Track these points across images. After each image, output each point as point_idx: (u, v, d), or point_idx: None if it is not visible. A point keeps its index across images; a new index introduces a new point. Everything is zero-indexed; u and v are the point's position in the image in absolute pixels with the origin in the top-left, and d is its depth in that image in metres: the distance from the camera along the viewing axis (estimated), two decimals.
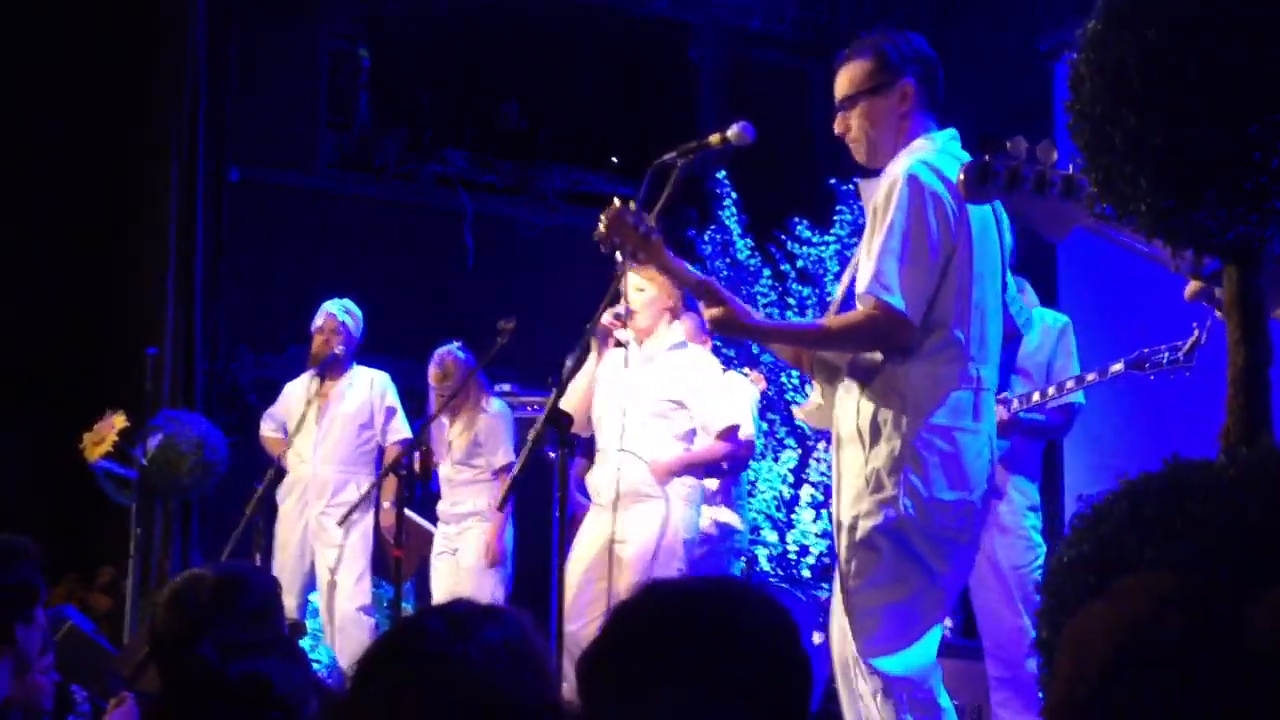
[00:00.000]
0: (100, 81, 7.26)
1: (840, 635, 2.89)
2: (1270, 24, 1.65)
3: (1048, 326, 4.32)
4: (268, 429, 6.08)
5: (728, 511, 5.33)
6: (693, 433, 4.55)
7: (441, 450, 5.72)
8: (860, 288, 2.78)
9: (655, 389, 4.41)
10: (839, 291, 3.10)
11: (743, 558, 5.90)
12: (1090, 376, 4.08)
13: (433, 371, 5.64)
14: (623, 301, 4.14)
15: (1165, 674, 1.29)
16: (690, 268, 3.03)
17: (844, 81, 2.91)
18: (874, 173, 2.92)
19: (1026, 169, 1.94)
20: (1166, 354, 3.86)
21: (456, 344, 5.67)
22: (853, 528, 2.80)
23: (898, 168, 2.81)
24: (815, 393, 3.04)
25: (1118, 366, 4.00)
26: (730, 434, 4.53)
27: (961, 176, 1.97)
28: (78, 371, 6.98)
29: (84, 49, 7.23)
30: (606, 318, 4.18)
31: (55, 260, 7.24)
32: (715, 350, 5.30)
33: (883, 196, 2.79)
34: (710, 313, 2.86)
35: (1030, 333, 4.11)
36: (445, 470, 5.69)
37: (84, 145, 7.29)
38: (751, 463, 5.67)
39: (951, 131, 2.90)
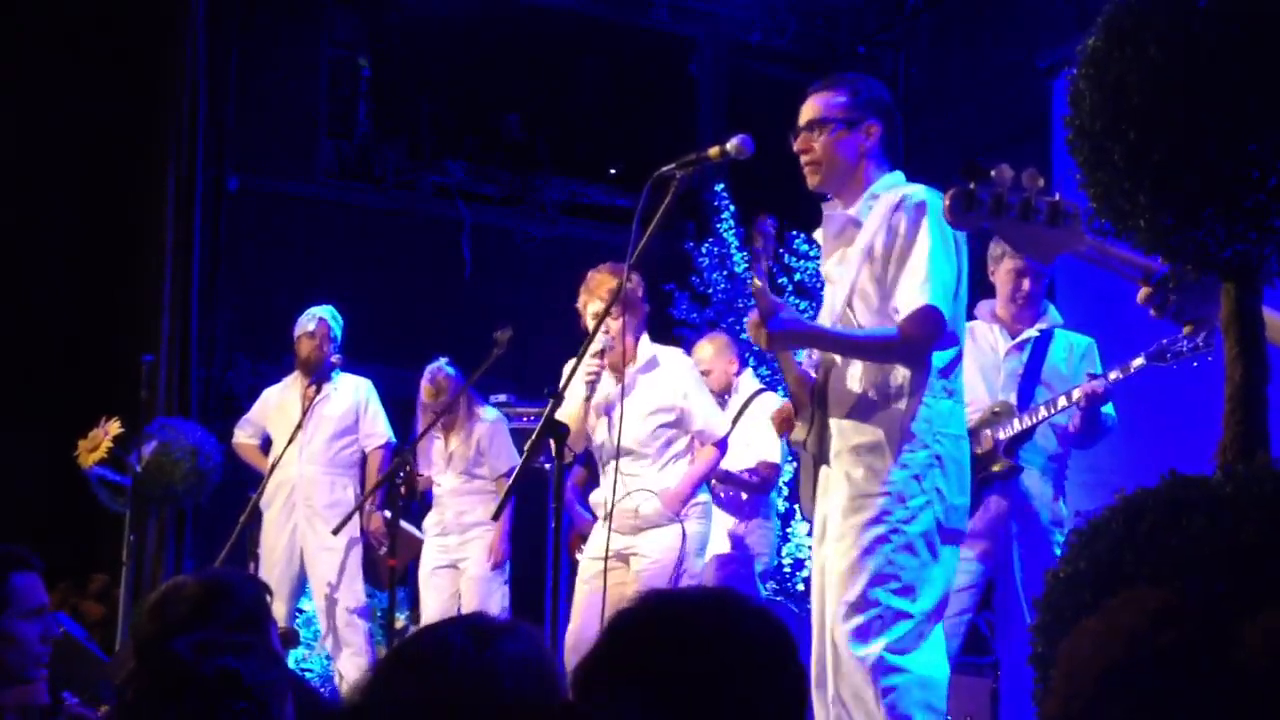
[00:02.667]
0: (100, 89, 7.26)
1: (825, 638, 3.01)
2: (1270, 43, 1.66)
3: (1073, 346, 4.30)
4: (243, 436, 6.07)
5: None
6: (689, 443, 4.59)
7: (439, 464, 5.72)
8: (914, 298, 2.95)
9: (645, 411, 4.46)
10: (831, 307, 3.20)
11: (770, 581, 5.80)
12: (1113, 374, 4.02)
13: (425, 389, 5.64)
14: (604, 333, 4.23)
15: (1159, 690, 1.29)
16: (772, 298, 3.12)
17: (817, 106, 3.17)
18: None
19: (1011, 196, 1.95)
20: (1185, 343, 3.81)
21: (445, 360, 5.67)
22: (894, 532, 2.95)
23: (902, 194, 3.05)
24: (804, 419, 3.18)
25: (1139, 361, 3.92)
26: (722, 440, 4.59)
27: (946, 203, 1.99)
28: (74, 378, 6.96)
29: (84, 57, 7.24)
30: (591, 364, 4.27)
31: (54, 267, 7.24)
32: (748, 371, 5.36)
33: (905, 221, 3.00)
34: (781, 317, 2.98)
35: (1054, 348, 4.28)
36: (448, 482, 5.68)
37: (83, 153, 7.29)
38: None
39: (900, 172, 3.18)
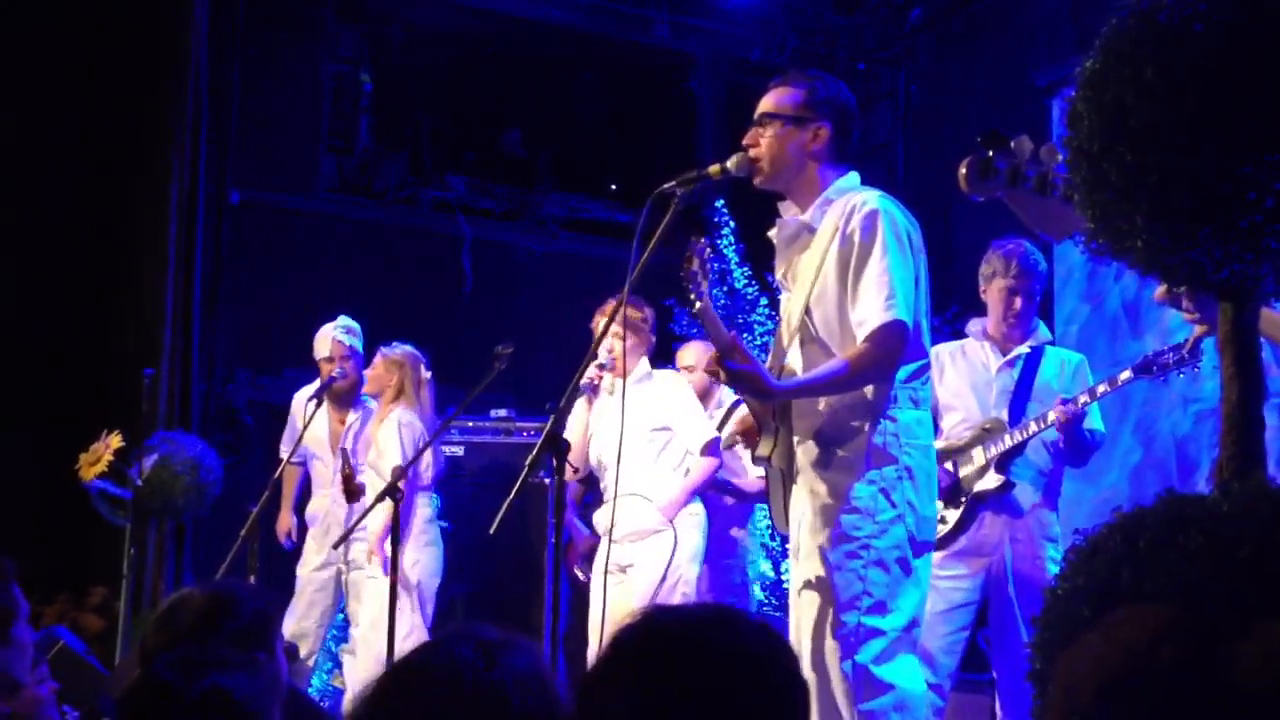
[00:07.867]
0: (103, 102, 7.29)
1: (801, 650, 2.93)
2: (1266, 66, 1.67)
3: (1064, 363, 4.32)
4: (290, 460, 5.89)
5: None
6: (684, 456, 4.72)
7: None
8: (879, 314, 2.89)
9: (643, 422, 4.55)
10: (789, 318, 3.14)
11: (756, 583, 5.78)
12: (1101, 387, 4.04)
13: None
14: (607, 351, 4.47)
15: (1157, 706, 1.30)
16: (722, 325, 3.12)
17: (770, 101, 3.10)
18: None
19: (1029, 168, 1.96)
20: (1171, 355, 3.84)
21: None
22: (864, 548, 2.88)
23: (853, 202, 3.00)
24: (767, 434, 3.10)
25: (1126, 374, 3.95)
26: (712, 447, 4.66)
27: (963, 171, 1.99)
28: (75, 391, 6.97)
29: (86, 71, 7.27)
30: (591, 372, 4.47)
31: (55, 279, 7.25)
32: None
33: (859, 231, 2.95)
34: (740, 370, 2.89)
35: (1045, 363, 4.26)
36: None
37: (85, 166, 7.32)
38: None
39: (855, 173, 3.13)
